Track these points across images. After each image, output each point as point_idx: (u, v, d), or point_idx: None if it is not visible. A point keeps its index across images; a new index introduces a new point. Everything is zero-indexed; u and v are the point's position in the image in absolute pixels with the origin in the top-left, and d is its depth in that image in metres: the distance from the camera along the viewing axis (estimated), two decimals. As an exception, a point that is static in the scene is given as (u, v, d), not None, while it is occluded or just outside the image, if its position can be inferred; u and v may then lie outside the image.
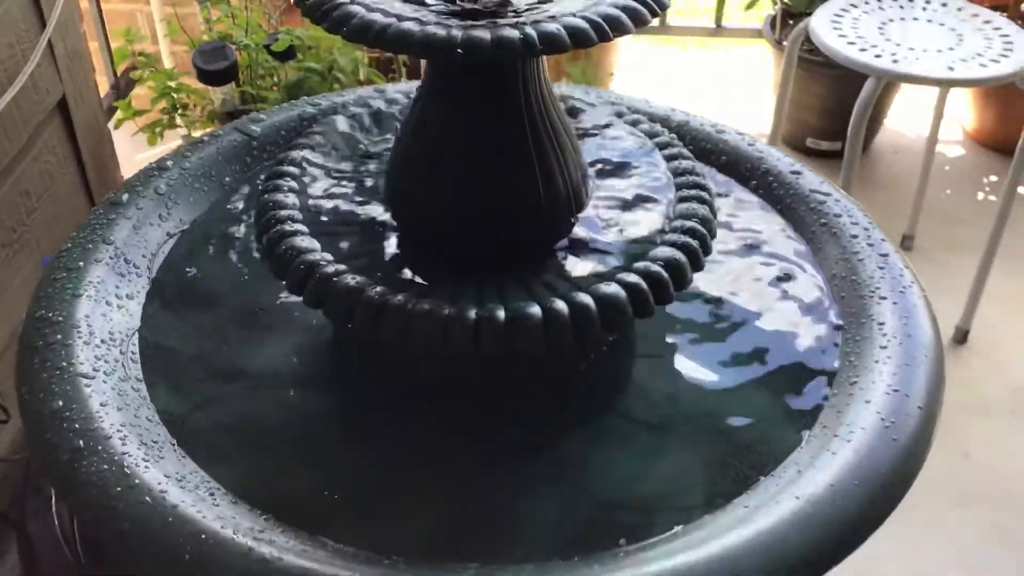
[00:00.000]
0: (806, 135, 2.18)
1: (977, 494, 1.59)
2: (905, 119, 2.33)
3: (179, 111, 1.56)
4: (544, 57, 0.64)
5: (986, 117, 2.25)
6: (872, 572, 1.49)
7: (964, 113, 2.30)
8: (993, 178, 2.22)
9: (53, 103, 1.22)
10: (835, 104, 2.04)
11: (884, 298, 0.73)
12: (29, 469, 1.41)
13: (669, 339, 0.76)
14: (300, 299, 0.65)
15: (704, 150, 0.88)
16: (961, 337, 1.81)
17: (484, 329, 0.61)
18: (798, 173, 0.84)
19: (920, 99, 2.26)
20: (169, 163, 0.83)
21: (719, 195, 0.85)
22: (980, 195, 2.19)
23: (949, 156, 2.29)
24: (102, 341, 0.69)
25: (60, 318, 0.69)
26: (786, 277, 0.79)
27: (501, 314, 0.62)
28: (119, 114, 1.56)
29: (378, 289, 0.63)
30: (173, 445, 0.65)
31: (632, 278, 0.64)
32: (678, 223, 0.68)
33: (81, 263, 0.74)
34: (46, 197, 1.20)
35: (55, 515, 1.37)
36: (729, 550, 0.57)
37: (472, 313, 0.62)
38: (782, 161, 0.86)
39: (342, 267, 0.64)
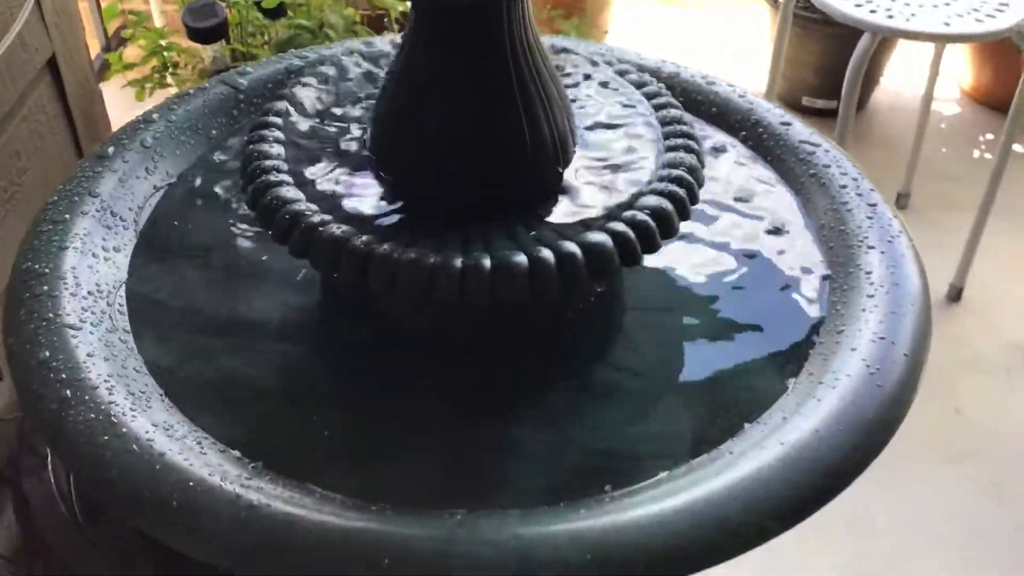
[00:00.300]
0: (802, 93, 2.17)
1: (970, 451, 1.60)
2: (901, 77, 2.32)
3: (169, 70, 1.55)
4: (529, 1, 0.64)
5: (983, 74, 2.24)
6: (864, 527, 1.50)
7: (961, 70, 2.29)
8: (990, 136, 2.21)
9: (42, 62, 1.21)
10: (831, 62, 2.03)
11: (872, 247, 0.73)
12: (24, 428, 1.41)
13: (658, 291, 0.77)
14: (288, 251, 0.65)
15: (694, 101, 0.87)
16: (955, 295, 1.81)
17: (470, 278, 0.61)
18: (788, 124, 0.84)
19: (917, 56, 2.25)
20: (155, 116, 0.83)
21: (716, 150, 0.85)
22: (976, 153, 2.18)
23: (945, 114, 2.28)
24: (89, 293, 0.69)
25: (46, 270, 0.69)
26: (775, 228, 0.79)
27: (487, 263, 0.62)
28: (112, 66, 1.55)
29: (363, 239, 0.63)
30: (161, 396, 0.65)
31: (619, 226, 0.64)
32: (665, 172, 0.68)
33: (67, 216, 0.73)
34: (36, 157, 1.19)
35: (50, 473, 1.38)
36: (714, 494, 0.57)
37: (458, 262, 0.62)
38: (772, 112, 0.85)
39: (327, 217, 0.64)
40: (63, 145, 1.27)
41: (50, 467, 1.40)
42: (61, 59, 1.25)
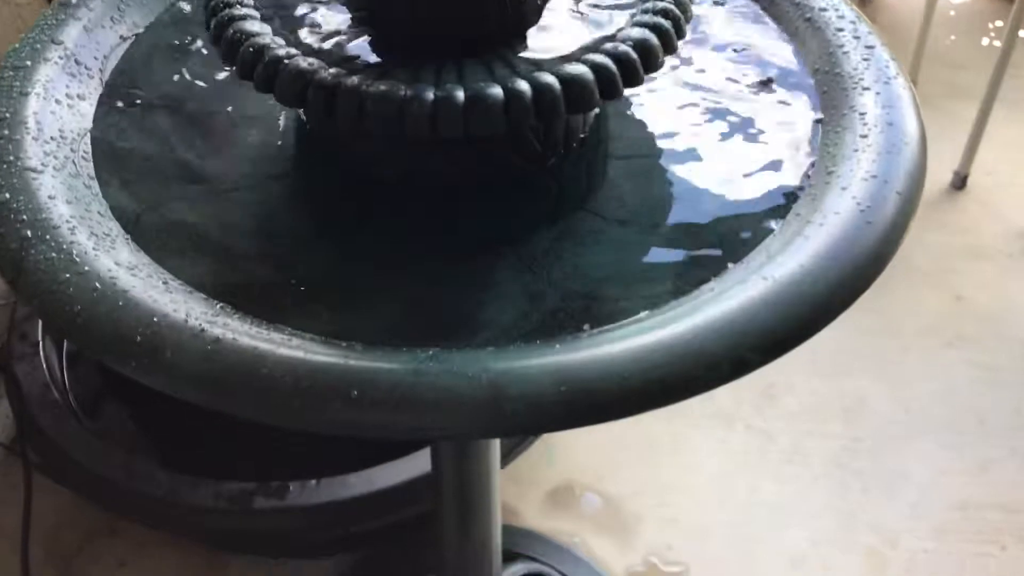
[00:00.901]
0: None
1: (969, 336, 1.59)
2: (911, -38, 2.25)
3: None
4: None
5: (995, -41, 2.17)
6: (862, 410, 1.50)
7: (972, -44, 2.22)
8: (999, 23, 2.15)
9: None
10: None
11: (867, 89, 0.70)
12: (15, 315, 1.41)
13: (644, 139, 0.74)
14: (259, 101, 0.62)
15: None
16: (960, 182, 1.78)
17: (442, 110, 0.59)
18: (783, -31, 0.80)
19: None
20: (121, -35, 0.79)
21: (716, 3, 0.82)
22: (985, 40, 2.13)
23: (954, 1, 2.22)
24: (51, 138, 0.67)
25: (7, 114, 0.66)
26: (767, 74, 0.76)
27: (460, 95, 0.59)
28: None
29: (331, 71, 0.60)
30: (126, 239, 0.63)
31: (599, 58, 0.61)
32: (651, 4, 0.65)
33: (29, 62, 0.71)
34: (4, 7, 1.16)
35: (42, 360, 1.38)
36: (692, 328, 0.56)
37: (429, 94, 0.59)
38: (767, -42, 0.81)
39: (294, 50, 0.61)
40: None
41: (42, 354, 1.39)
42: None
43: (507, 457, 1.31)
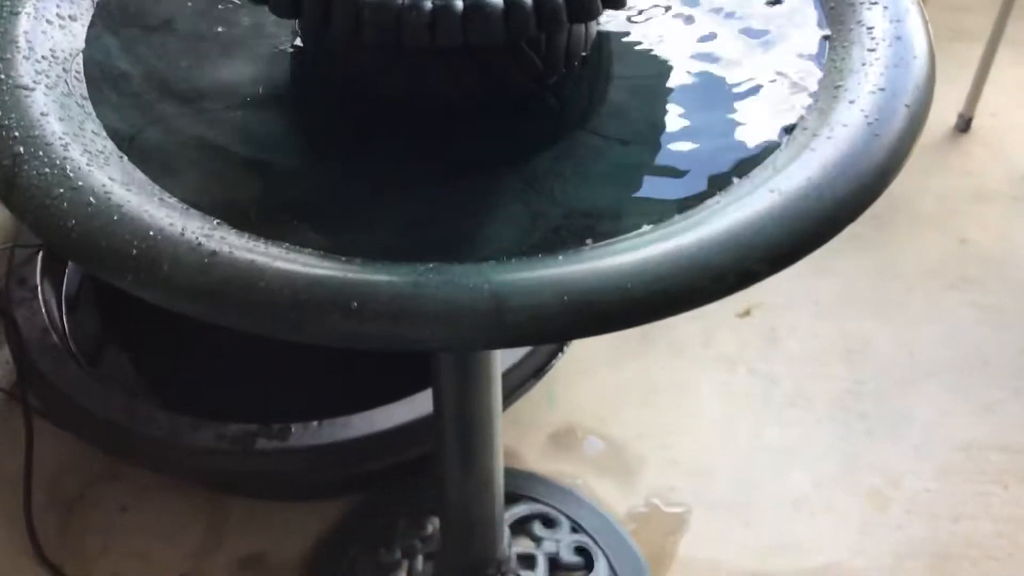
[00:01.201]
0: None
1: (974, 278, 1.58)
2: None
3: None
4: None
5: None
6: (866, 353, 1.50)
7: None
8: (1006, -35, 2.12)
9: None
10: None
11: (875, 3, 0.68)
12: (13, 259, 1.40)
13: (648, 61, 0.72)
14: (253, 22, 0.61)
15: None
16: (964, 125, 1.76)
17: (441, 18, 0.58)
18: None
19: None
20: None
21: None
22: (992, -18, 2.09)
23: (961, -58, 2.19)
24: (43, 57, 0.65)
25: (-3, 34, 0.65)
26: (773, -5, 0.74)
27: (459, 2, 0.58)
28: None
29: (327, -20, 0.59)
30: (120, 158, 0.62)
31: (601, -34, 0.60)
32: (653, -85, 0.63)
33: (19, -18, 0.69)
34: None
35: (41, 304, 1.37)
36: (700, 240, 0.55)
37: (428, 2, 0.58)
38: None
39: (289, -39, 0.60)
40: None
41: (40, 298, 1.38)
42: None
43: (507, 399, 1.30)
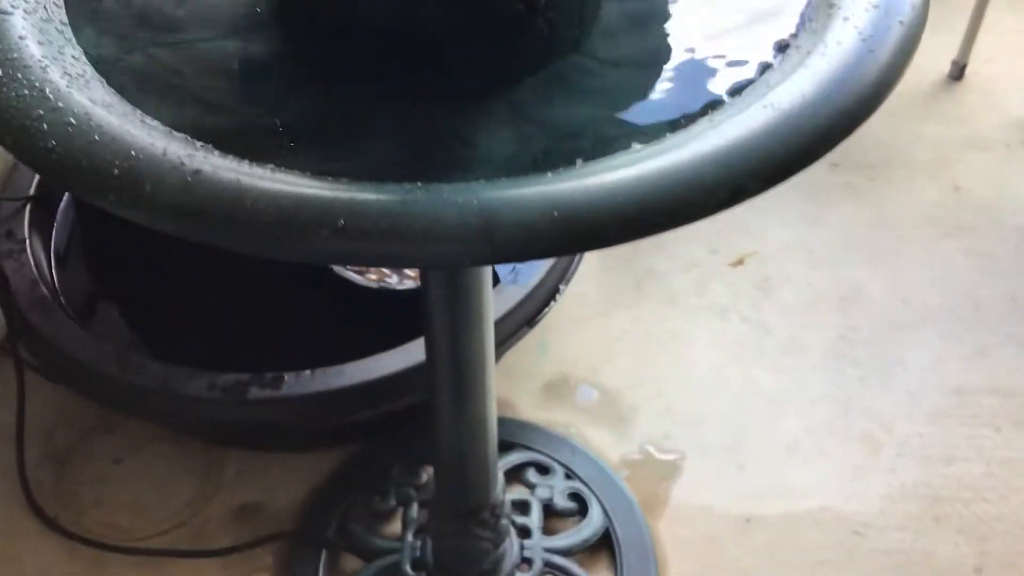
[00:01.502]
0: None
1: (966, 225, 1.58)
2: None
3: None
4: None
5: None
6: (858, 298, 1.50)
7: None
8: (1001, -88, 2.10)
9: None
10: None
11: (869, -78, 0.67)
12: (0, 212, 1.38)
13: (638, -14, 0.71)
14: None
15: None
16: (958, 73, 1.75)
17: (427, -65, 0.56)
18: None
19: None
20: None
21: None
22: (986, -71, 2.07)
23: None
24: (20, -18, 0.64)
25: (-28, -42, 0.64)
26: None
27: (445, -81, 0.56)
28: None
29: None
30: (101, 82, 0.61)
31: None
32: None
33: (-6, -92, 0.67)
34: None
35: (29, 256, 1.36)
36: (692, 155, 0.54)
37: (414, -81, 0.56)
38: None
39: None
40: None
41: (29, 251, 1.37)
42: None
43: (500, 349, 1.30)
